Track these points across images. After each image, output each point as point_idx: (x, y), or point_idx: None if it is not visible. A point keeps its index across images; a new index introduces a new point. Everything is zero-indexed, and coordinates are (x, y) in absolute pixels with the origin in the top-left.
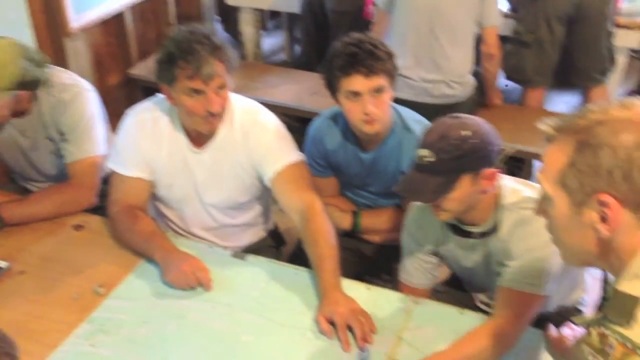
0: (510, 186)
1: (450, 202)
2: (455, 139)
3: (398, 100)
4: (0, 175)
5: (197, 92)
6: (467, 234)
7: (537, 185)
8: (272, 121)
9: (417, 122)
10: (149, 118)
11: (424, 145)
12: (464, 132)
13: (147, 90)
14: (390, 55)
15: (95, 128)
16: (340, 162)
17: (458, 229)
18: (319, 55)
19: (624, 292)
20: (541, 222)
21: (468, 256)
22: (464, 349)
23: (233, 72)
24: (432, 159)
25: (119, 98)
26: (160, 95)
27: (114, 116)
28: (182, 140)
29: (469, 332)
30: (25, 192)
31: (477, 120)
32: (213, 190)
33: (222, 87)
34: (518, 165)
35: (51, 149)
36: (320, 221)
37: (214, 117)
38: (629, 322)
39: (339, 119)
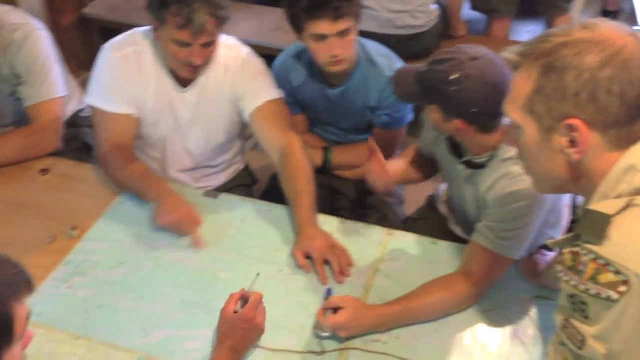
0: None
1: (428, 113)
2: (442, 72)
3: (362, 33)
4: None
5: (182, 44)
6: (457, 154)
7: None
8: (254, 57)
9: (383, 56)
10: (132, 52)
11: (435, 55)
12: (453, 73)
13: (104, 30)
14: None
15: (52, 69)
16: (307, 99)
17: (456, 149)
18: None
19: (595, 210)
20: (524, 184)
21: (451, 175)
22: (423, 298)
23: (225, 26)
24: (423, 69)
25: (74, 39)
26: (138, 30)
27: (71, 58)
28: (167, 78)
29: (433, 280)
30: None
31: (483, 77)
32: (196, 131)
33: (209, 44)
34: None
35: (8, 92)
36: (299, 158)
37: (195, 68)
38: (601, 240)
39: (303, 55)
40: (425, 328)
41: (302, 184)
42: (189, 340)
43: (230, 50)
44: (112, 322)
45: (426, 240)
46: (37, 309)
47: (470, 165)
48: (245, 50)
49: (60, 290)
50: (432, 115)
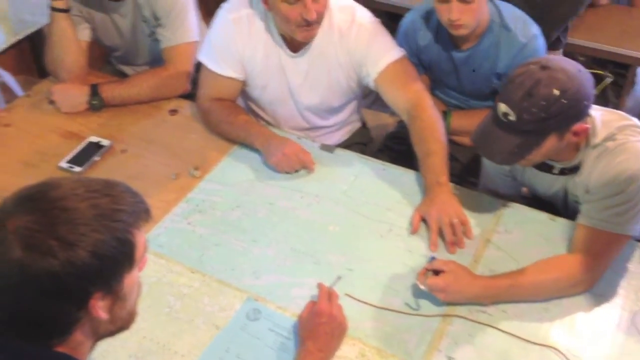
0: (602, 120)
1: (532, 157)
2: (542, 100)
3: None
4: (97, 58)
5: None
6: (547, 168)
7: (630, 117)
8: (370, 19)
9: (518, 19)
10: (245, 16)
11: (505, 100)
12: (553, 91)
13: None
14: None
15: (188, 14)
16: (432, 60)
17: (544, 165)
18: None
19: None
20: (627, 153)
21: (545, 188)
22: (535, 275)
23: None
24: (514, 119)
25: None
26: None
27: (201, 5)
28: (278, 43)
29: (548, 258)
30: (121, 75)
31: (569, 71)
32: (308, 95)
33: None
34: (622, 73)
35: (147, 32)
36: (426, 118)
37: (310, 25)
38: None
39: (432, 15)
40: (535, 306)
41: (429, 144)
42: (296, 287)
43: (344, 13)
44: (225, 261)
45: (543, 216)
46: (160, 240)
47: (566, 171)
48: (359, 13)
49: (180, 225)
50: (542, 150)
